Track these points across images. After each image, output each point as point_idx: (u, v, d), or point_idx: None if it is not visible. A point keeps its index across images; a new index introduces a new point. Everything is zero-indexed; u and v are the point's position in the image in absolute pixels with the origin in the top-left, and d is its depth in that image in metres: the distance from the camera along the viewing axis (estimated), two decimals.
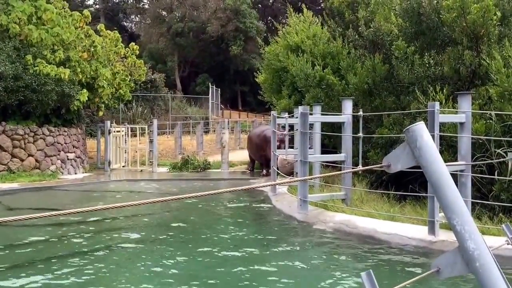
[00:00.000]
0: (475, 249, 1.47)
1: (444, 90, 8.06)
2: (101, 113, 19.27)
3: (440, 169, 1.55)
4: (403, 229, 6.53)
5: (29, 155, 14.88)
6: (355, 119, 8.76)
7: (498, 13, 8.21)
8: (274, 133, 11.09)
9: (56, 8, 16.02)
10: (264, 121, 29.08)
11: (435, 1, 8.99)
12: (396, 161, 1.71)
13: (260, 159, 14.97)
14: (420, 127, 1.61)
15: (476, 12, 8.08)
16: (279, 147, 11.82)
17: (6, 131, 14.46)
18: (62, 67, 15.15)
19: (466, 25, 8.38)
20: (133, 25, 57.39)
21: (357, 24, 11.24)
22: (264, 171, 14.78)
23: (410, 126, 1.62)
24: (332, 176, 10.51)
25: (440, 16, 8.80)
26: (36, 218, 1.67)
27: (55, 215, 1.72)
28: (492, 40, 8.41)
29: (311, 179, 9.58)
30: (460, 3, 8.25)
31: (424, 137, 1.59)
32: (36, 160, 15.01)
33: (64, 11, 16.86)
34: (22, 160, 14.69)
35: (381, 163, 1.79)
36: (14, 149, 14.56)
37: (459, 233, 1.51)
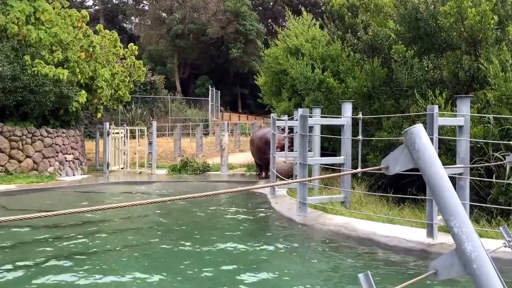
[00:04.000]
0: (472, 251, 1.48)
1: (443, 94, 8.08)
2: (99, 115, 19.23)
3: (438, 171, 1.56)
4: (402, 232, 6.53)
5: (27, 156, 14.84)
6: (355, 122, 8.76)
7: (495, 17, 8.24)
8: (273, 136, 11.10)
9: (54, 8, 16.02)
10: (264, 124, 29.10)
11: (432, 7, 9.02)
12: (395, 163, 1.71)
13: (261, 161, 14.98)
14: (418, 129, 1.61)
15: (473, 17, 8.10)
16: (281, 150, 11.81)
17: (4, 132, 14.42)
18: (60, 67, 15.14)
19: (464, 30, 8.40)
20: (132, 27, 57.44)
21: (356, 28, 11.26)
22: (263, 174, 14.80)
23: (409, 128, 1.62)
24: (331, 178, 10.52)
25: (438, 21, 8.83)
26: (31, 218, 1.67)
27: (50, 216, 1.72)
28: (489, 43, 8.43)
29: (309, 180, 9.58)
30: (457, 9, 8.27)
31: (423, 139, 1.59)
32: (34, 162, 14.98)
33: (64, 11, 16.86)
34: (20, 162, 14.66)
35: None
36: (11, 151, 14.53)
37: (456, 235, 1.51)
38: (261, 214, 9.27)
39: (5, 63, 14.00)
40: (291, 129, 11.90)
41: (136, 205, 1.79)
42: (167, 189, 13.62)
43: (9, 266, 5.72)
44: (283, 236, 7.47)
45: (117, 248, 6.69)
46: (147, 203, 1.90)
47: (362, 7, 12.14)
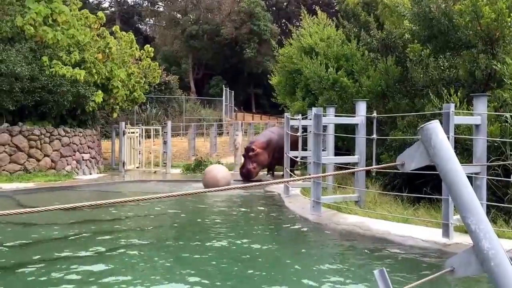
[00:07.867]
0: (490, 249, 1.47)
1: (459, 93, 7.99)
2: (115, 115, 19.41)
3: (455, 168, 1.55)
4: (417, 232, 6.48)
5: (45, 155, 15.06)
6: (369, 121, 8.72)
7: None
8: (287, 135, 11.09)
9: (71, 10, 16.19)
10: (278, 124, 29.06)
11: (443, 5, 8.91)
12: (410, 160, 1.71)
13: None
14: (434, 125, 1.60)
15: (489, 15, 8.00)
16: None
17: (23, 132, 14.65)
18: (77, 68, 15.32)
19: (480, 28, 8.30)
20: (148, 28, 57.83)
21: (370, 26, 11.20)
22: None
23: (425, 124, 1.61)
24: (345, 178, 10.48)
25: (453, 20, 8.73)
26: (42, 211, 1.70)
27: (62, 209, 1.75)
28: (507, 41, 8.31)
29: (323, 177, 9.55)
30: (472, 7, 8.17)
31: (439, 135, 1.58)
32: (52, 160, 15.20)
33: (80, 13, 17.04)
34: (38, 160, 14.88)
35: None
36: (30, 149, 14.76)
37: (473, 232, 1.50)
38: (275, 213, 9.26)
39: (23, 63, 14.22)
40: (304, 129, 11.89)
41: (140, 200, 1.81)
42: (182, 188, 13.68)
43: (16, 263, 5.80)
44: (296, 235, 7.46)
45: (123, 248, 6.74)
46: (152, 198, 1.92)
47: (377, 3, 12.07)
